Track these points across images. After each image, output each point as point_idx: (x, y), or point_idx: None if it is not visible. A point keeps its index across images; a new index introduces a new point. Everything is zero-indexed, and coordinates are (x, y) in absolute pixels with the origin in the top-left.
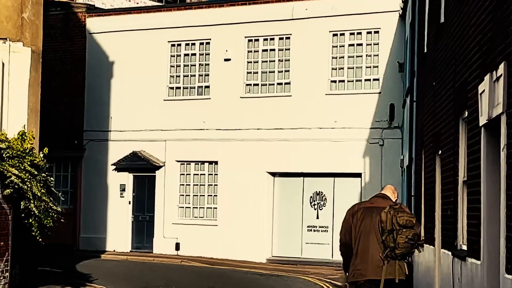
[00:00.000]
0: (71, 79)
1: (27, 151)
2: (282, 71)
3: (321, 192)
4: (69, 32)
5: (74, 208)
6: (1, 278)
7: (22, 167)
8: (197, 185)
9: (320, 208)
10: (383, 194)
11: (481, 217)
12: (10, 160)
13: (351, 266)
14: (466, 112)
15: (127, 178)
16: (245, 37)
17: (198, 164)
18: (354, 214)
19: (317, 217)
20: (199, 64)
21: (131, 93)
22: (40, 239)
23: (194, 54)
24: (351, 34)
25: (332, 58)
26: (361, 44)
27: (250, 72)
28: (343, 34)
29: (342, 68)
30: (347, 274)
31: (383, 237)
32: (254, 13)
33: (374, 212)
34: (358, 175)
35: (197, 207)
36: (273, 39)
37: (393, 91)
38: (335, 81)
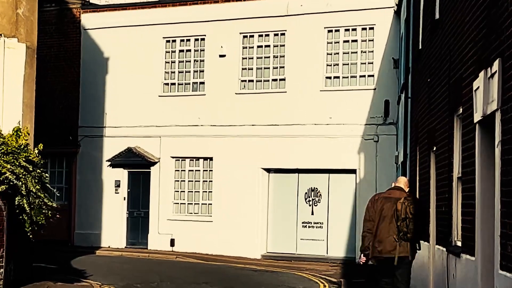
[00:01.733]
0: (65, 75)
1: (22, 147)
2: (277, 67)
3: (316, 188)
4: (64, 28)
5: (69, 204)
6: None
7: (17, 163)
8: (192, 181)
9: (315, 204)
10: (398, 186)
11: (476, 213)
12: (5, 156)
13: (371, 245)
14: (461, 109)
15: (122, 174)
16: (240, 33)
17: (193, 160)
18: (374, 202)
19: (312, 213)
20: (194, 60)
21: (126, 89)
22: (31, 236)
23: (189, 50)
24: (346, 30)
25: (327, 54)
26: (356, 41)
27: (245, 68)
28: (338, 31)
29: (337, 65)
30: (362, 255)
31: (397, 223)
32: (249, 9)
33: (391, 201)
34: (353, 171)
35: (192, 203)
36: (268, 35)
37: (388, 87)
38: (330, 77)
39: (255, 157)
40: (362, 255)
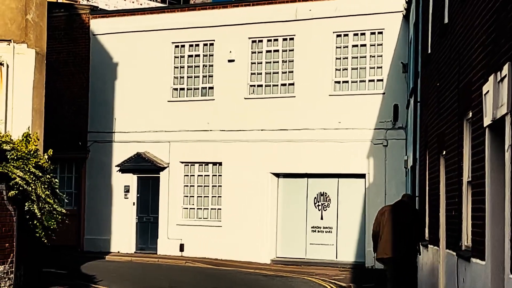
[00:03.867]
0: (75, 80)
1: (31, 152)
2: (286, 72)
3: (325, 193)
4: (73, 33)
5: (78, 209)
6: (6, 279)
7: (27, 169)
8: (201, 186)
9: (324, 209)
10: (401, 200)
11: (486, 217)
12: (14, 162)
13: (378, 247)
14: (470, 113)
15: (131, 179)
16: (249, 38)
17: (202, 165)
18: (382, 213)
19: (321, 218)
20: (203, 65)
21: (135, 94)
22: (45, 241)
23: (198, 55)
24: (354, 34)
25: (336, 59)
26: (364, 45)
27: (254, 73)
28: (346, 35)
29: (346, 69)
30: (375, 253)
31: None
32: (257, 14)
33: (396, 213)
34: (362, 175)
35: (201, 208)
36: (276, 40)
37: (397, 91)
38: (339, 82)
39: (264, 162)
40: (375, 253)
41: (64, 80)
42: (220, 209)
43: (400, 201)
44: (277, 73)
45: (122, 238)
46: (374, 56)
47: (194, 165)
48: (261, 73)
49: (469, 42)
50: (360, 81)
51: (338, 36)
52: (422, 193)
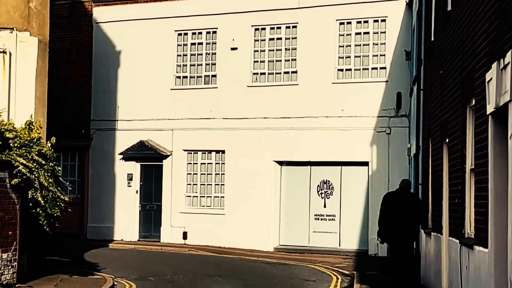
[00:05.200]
0: (78, 68)
1: (34, 140)
2: (289, 60)
3: (328, 180)
4: (76, 21)
5: (81, 197)
6: (9, 267)
7: (30, 157)
8: (204, 174)
9: (328, 196)
10: (402, 186)
11: (489, 205)
12: (17, 150)
13: (385, 230)
14: (474, 100)
15: (135, 167)
16: (252, 26)
17: (205, 153)
18: (387, 198)
19: (324, 206)
20: (206, 53)
21: (138, 82)
22: (47, 229)
23: (201, 43)
24: (358, 22)
25: (339, 46)
26: (368, 33)
27: (257, 61)
28: (350, 23)
29: (349, 57)
30: (379, 238)
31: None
32: (260, 2)
33: (399, 198)
34: (365, 163)
35: (204, 196)
36: (280, 28)
37: (400, 79)
38: (342, 70)
39: (267, 150)
40: (378, 237)
41: (67, 69)
42: (223, 197)
43: (402, 187)
44: (280, 61)
45: (126, 226)
46: (377, 44)
47: (197, 153)
48: (264, 61)
49: (472, 30)
50: (363, 69)
51: (341, 24)
52: (425, 180)
